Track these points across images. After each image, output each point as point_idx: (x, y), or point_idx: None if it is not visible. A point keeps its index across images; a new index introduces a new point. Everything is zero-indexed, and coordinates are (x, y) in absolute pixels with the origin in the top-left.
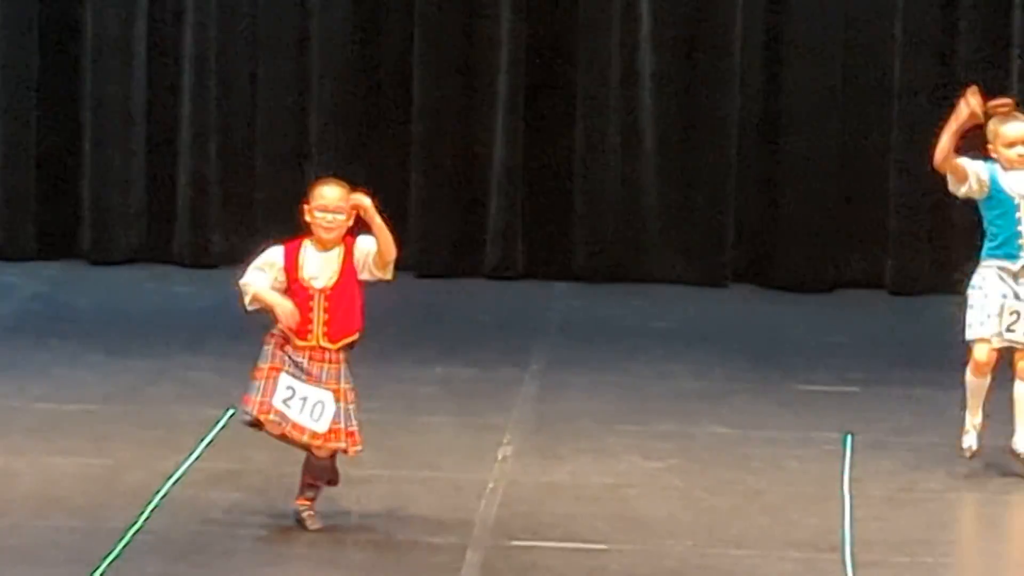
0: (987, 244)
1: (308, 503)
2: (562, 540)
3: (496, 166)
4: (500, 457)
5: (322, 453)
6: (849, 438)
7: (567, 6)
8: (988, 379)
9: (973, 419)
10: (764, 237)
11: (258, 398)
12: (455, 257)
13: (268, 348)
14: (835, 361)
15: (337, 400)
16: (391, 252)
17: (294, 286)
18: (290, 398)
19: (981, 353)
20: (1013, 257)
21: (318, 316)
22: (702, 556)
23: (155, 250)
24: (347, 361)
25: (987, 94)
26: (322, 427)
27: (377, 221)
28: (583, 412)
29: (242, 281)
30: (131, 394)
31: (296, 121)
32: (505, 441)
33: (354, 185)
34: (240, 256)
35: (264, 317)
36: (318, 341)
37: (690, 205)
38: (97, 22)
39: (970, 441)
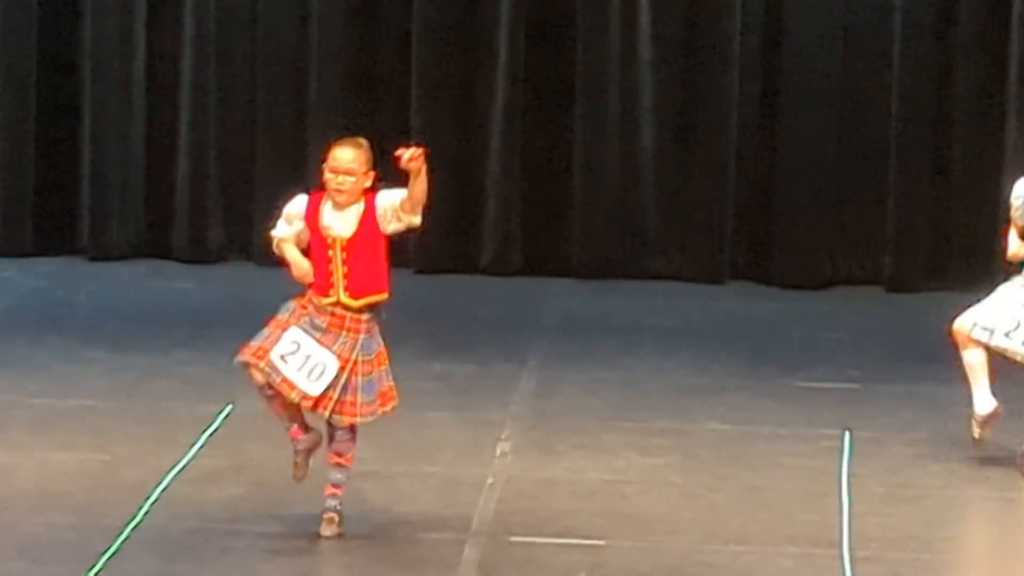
0: None
1: (336, 493)
2: (560, 536)
3: (493, 162)
4: (498, 453)
5: (341, 423)
6: (847, 434)
7: (565, 4)
8: (982, 351)
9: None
10: (762, 234)
11: (256, 343)
12: (453, 253)
13: (291, 303)
14: (833, 358)
15: (342, 370)
16: (424, 198)
17: (314, 235)
18: (292, 353)
19: (961, 327)
20: None
21: (338, 268)
22: (700, 552)
23: (153, 246)
24: (370, 332)
25: (983, 91)
26: (315, 390)
27: (423, 172)
28: (581, 408)
29: (272, 232)
30: (130, 390)
31: (294, 117)
32: (503, 437)
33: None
34: (238, 251)
35: (264, 312)
36: (339, 296)
37: (688, 202)
38: (96, 19)
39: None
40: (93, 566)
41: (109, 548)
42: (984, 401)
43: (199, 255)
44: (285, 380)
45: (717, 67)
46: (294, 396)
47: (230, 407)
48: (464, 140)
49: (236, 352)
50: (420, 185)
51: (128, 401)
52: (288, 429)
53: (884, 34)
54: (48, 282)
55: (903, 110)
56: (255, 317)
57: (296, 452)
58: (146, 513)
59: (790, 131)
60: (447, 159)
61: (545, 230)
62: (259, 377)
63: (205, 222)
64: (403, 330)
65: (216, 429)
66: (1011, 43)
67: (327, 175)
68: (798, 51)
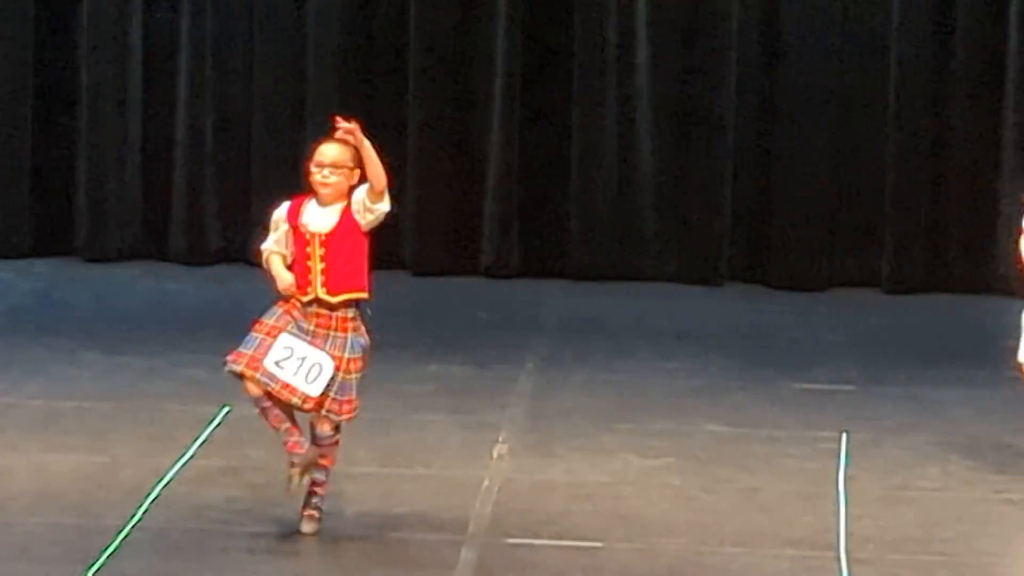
0: None
1: (317, 491)
2: (557, 538)
3: (492, 164)
4: (495, 455)
5: (323, 425)
6: (845, 436)
7: (563, 5)
8: None
9: None
10: (759, 236)
11: (249, 352)
12: (451, 255)
13: (276, 308)
14: (830, 359)
15: (337, 369)
16: (380, 179)
17: (295, 235)
18: (286, 358)
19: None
20: None
21: (315, 264)
22: (697, 554)
23: (150, 247)
24: (357, 331)
25: (980, 92)
26: (315, 390)
27: (365, 145)
28: (578, 410)
29: (262, 245)
30: (126, 391)
31: (291, 118)
32: (500, 439)
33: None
34: (235, 254)
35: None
36: (317, 292)
37: (685, 204)
38: (93, 20)
39: None
40: (90, 567)
41: (106, 549)
42: None
43: (196, 257)
44: (285, 385)
45: (715, 70)
46: (296, 400)
47: (227, 409)
48: (463, 142)
49: (227, 357)
50: (371, 165)
51: (125, 403)
52: (285, 444)
53: (882, 35)
54: (45, 284)
55: (900, 112)
56: (251, 319)
57: (292, 466)
58: (143, 514)
59: (787, 132)
60: (446, 161)
61: (543, 232)
62: (255, 389)
63: (201, 224)
64: (401, 332)
65: (213, 430)
66: (1009, 44)
67: (312, 170)
68: (796, 52)
